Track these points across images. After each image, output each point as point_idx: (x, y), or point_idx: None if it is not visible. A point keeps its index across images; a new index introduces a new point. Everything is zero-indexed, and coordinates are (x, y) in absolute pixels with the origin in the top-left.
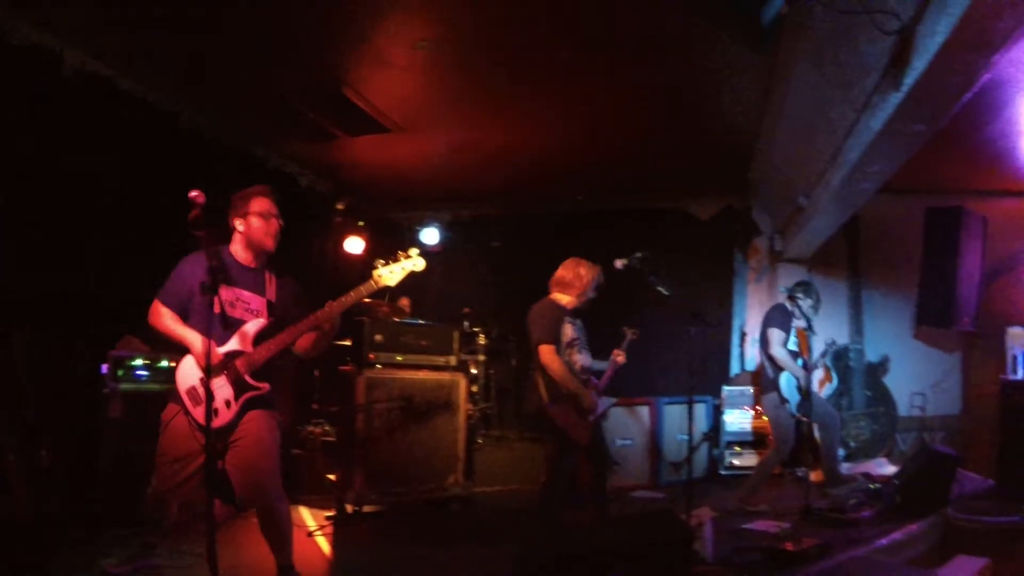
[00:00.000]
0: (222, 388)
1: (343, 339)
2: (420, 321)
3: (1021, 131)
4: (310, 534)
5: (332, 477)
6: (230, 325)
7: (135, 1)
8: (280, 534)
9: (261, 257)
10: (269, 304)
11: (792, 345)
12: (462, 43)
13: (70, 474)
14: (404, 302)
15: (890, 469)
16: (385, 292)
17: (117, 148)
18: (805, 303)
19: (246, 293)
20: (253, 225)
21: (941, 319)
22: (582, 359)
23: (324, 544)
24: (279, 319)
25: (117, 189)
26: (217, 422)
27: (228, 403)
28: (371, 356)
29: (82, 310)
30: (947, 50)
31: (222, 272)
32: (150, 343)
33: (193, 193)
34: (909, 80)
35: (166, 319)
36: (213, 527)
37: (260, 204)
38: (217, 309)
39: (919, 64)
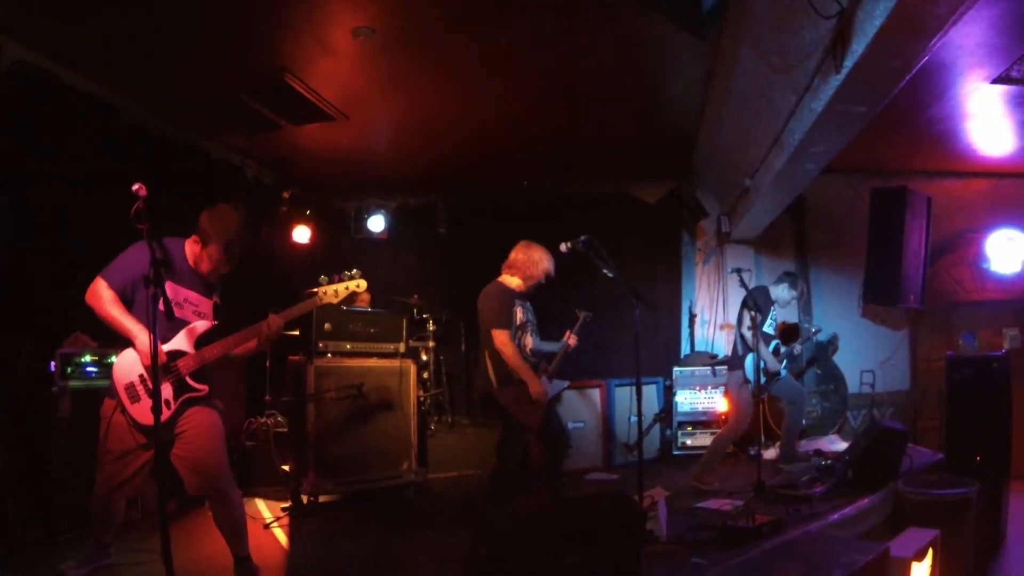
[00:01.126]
0: (164, 387)
1: (292, 330)
2: (368, 309)
3: (964, 113)
4: (266, 526)
5: (286, 468)
6: (175, 324)
7: None
8: (234, 524)
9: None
10: (216, 307)
11: (769, 328)
12: (401, 30)
13: (22, 476)
14: (364, 297)
15: (841, 445)
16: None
17: (59, 142)
18: (789, 292)
19: (193, 294)
20: (214, 254)
21: (888, 297)
22: (532, 342)
23: (281, 536)
24: (222, 322)
25: (60, 184)
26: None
27: (168, 403)
28: (320, 345)
29: (27, 308)
30: (885, 34)
31: (166, 266)
32: (98, 339)
33: (135, 186)
34: (849, 63)
35: (109, 304)
36: (166, 523)
37: (227, 236)
38: (162, 307)
39: (858, 47)
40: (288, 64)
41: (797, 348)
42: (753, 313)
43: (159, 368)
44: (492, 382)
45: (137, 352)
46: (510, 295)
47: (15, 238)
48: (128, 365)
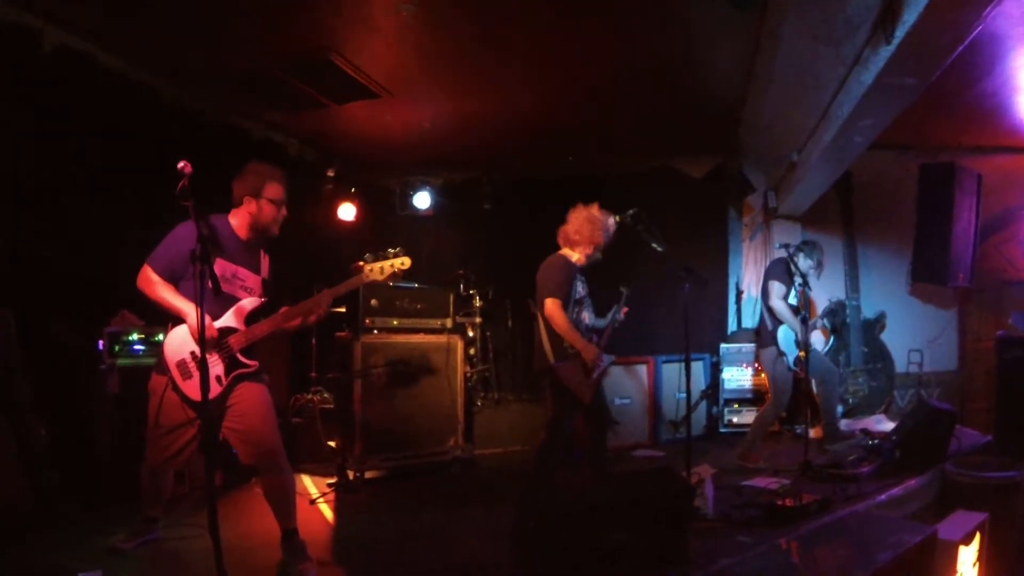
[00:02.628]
0: (213, 364)
1: (338, 307)
2: (415, 285)
3: (1015, 87)
4: (312, 502)
5: (332, 444)
6: (225, 300)
7: None
8: (284, 496)
9: (260, 238)
10: (264, 283)
11: (793, 299)
12: (445, 4)
13: (69, 452)
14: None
15: (888, 425)
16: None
17: (101, 124)
18: (805, 262)
19: (242, 270)
20: (264, 210)
21: (937, 275)
22: (588, 317)
23: (327, 511)
24: (272, 298)
25: (105, 166)
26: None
27: (219, 379)
28: (367, 321)
29: (75, 286)
30: (937, 3)
31: (213, 242)
32: (145, 317)
33: (180, 164)
34: (900, 33)
35: (158, 287)
36: (215, 497)
37: (275, 191)
38: (210, 284)
39: (909, 17)
40: (332, 42)
41: (819, 322)
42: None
43: (209, 343)
44: (548, 356)
45: (189, 329)
46: (572, 268)
47: (63, 218)
48: (179, 342)
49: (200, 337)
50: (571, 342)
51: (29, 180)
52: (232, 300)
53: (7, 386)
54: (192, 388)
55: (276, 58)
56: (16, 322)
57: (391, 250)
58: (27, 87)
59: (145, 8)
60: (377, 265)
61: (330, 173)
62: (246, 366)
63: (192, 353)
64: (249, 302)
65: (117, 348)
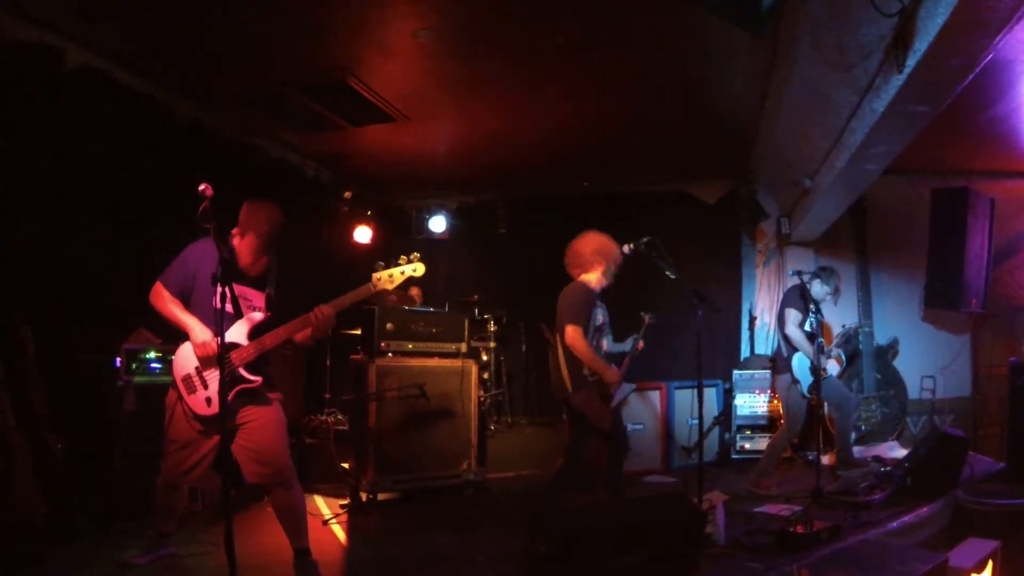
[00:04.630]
0: (215, 379)
1: (353, 328)
2: (430, 309)
3: None
4: (325, 522)
5: (346, 466)
6: (231, 318)
7: None
8: (295, 515)
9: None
10: (268, 298)
11: (809, 327)
12: (461, 31)
13: (85, 467)
14: (415, 291)
15: (901, 452)
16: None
17: (120, 142)
18: (822, 288)
19: (249, 290)
20: (252, 244)
21: (949, 301)
22: (606, 344)
23: (339, 532)
24: (276, 314)
25: (125, 184)
26: (209, 411)
27: None
28: (383, 345)
29: (93, 304)
30: (948, 31)
31: (232, 266)
32: (162, 336)
33: (202, 187)
34: (911, 62)
35: (168, 303)
36: (231, 514)
37: (267, 228)
38: (231, 307)
39: (921, 46)
40: (349, 65)
41: (834, 351)
42: (794, 311)
43: (212, 359)
44: (567, 385)
45: (193, 345)
46: (592, 294)
47: (79, 236)
48: (185, 358)
49: (220, 356)
50: (593, 368)
51: (49, 196)
52: (237, 319)
53: (25, 401)
54: (197, 402)
55: (294, 80)
56: (35, 337)
57: (404, 256)
58: (49, 103)
59: (162, 30)
60: (386, 273)
61: (347, 195)
62: (249, 381)
63: (196, 368)
64: (256, 315)
65: (134, 365)
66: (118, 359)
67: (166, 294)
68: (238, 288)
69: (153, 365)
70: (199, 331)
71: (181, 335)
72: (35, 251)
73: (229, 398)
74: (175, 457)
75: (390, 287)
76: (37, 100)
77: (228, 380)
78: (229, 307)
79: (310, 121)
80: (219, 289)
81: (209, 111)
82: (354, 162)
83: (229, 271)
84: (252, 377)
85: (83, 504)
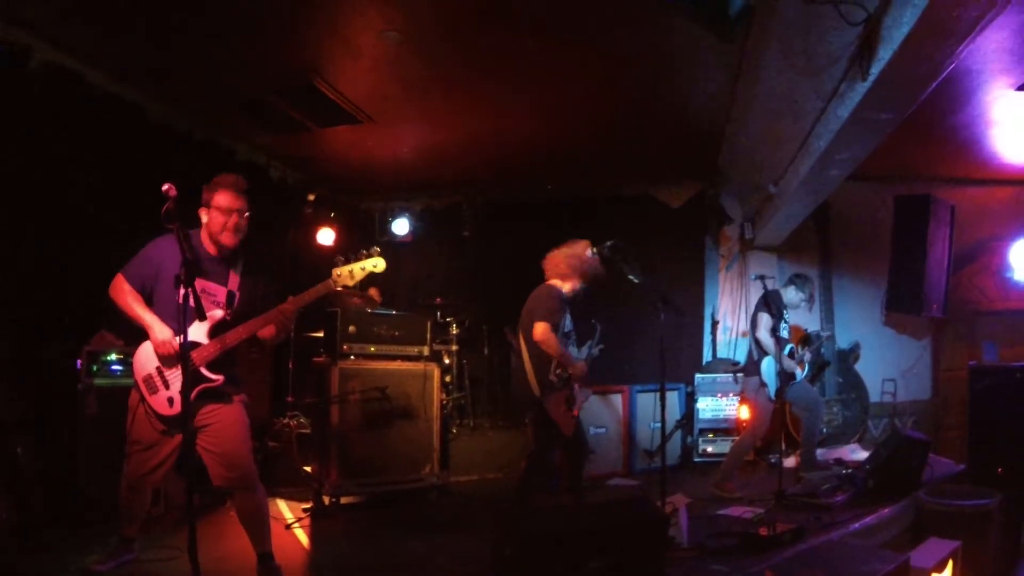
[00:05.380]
0: (175, 379)
1: (315, 331)
2: (393, 312)
3: (989, 120)
4: (288, 526)
5: (308, 469)
6: (191, 316)
7: None
8: (258, 519)
9: (224, 249)
10: (229, 295)
11: (784, 332)
12: (427, 32)
13: (48, 472)
14: (373, 291)
15: (862, 454)
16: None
17: (86, 142)
18: (797, 295)
19: (211, 284)
20: (212, 219)
21: (911, 305)
22: (573, 351)
23: (302, 536)
24: (239, 311)
25: (87, 183)
26: (171, 411)
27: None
28: (345, 347)
29: (53, 306)
30: (912, 40)
31: (195, 266)
32: (124, 337)
33: (165, 187)
34: (875, 70)
35: (128, 297)
36: (194, 518)
37: (222, 198)
38: (192, 303)
39: (885, 54)
40: (315, 65)
41: (807, 355)
42: (767, 315)
43: (172, 358)
44: (534, 388)
45: (153, 343)
46: (562, 298)
47: (41, 237)
48: (146, 357)
49: (183, 356)
50: (562, 363)
51: (12, 196)
52: (199, 317)
53: None
54: (158, 403)
55: (260, 79)
56: None
57: (364, 251)
58: (12, 103)
59: (130, 28)
60: (346, 269)
61: (310, 197)
62: (210, 380)
63: (157, 368)
64: (215, 314)
65: (95, 368)
66: (79, 361)
67: (127, 287)
68: (200, 283)
69: (115, 367)
70: (159, 329)
71: (143, 336)
72: None
73: (191, 398)
74: (138, 458)
75: (351, 283)
76: (3, 99)
77: (189, 380)
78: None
79: (277, 121)
80: (182, 290)
81: (178, 112)
82: (321, 164)
83: (192, 271)
84: (213, 376)
85: (48, 508)
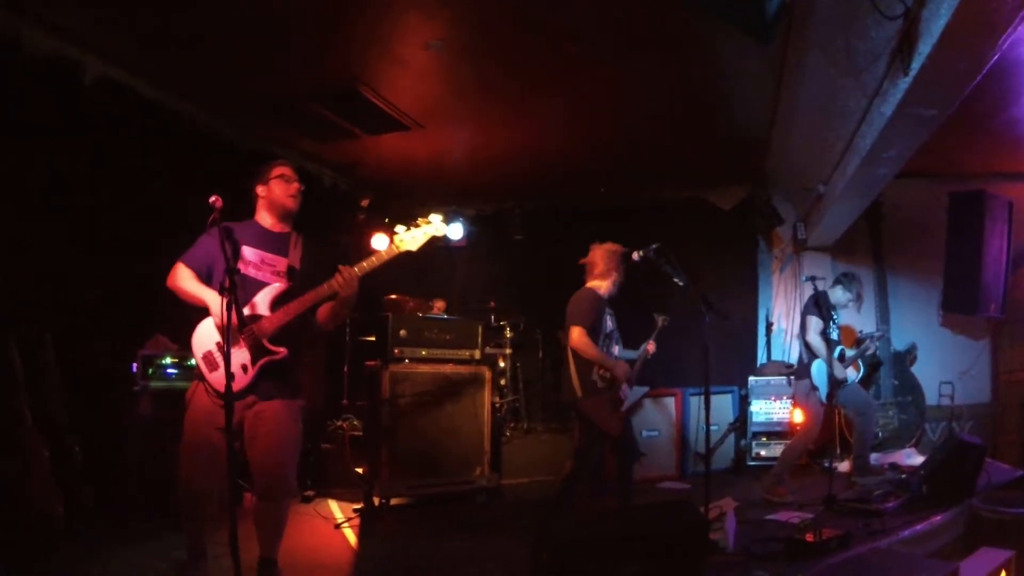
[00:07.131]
0: (239, 352)
1: (368, 335)
2: (444, 316)
3: None
4: (337, 526)
5: (360, 470)
6: (254, 287)
7: (150, 3)
8: (275, 527)
9: (286, 220)
10: (290, 268)
11: (834, 334)
12: (473, 43)
13: (101, 471)
14: (440, 305)
15: (918, 459)
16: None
17: (140, 152)
18: (844, 294)
19: (271, 256)
20: (274, 189)
21: (967, 306)
22: (616, 350)
23: (351, 535)
24: (300, 283)
25: (142, 192)
26: (233, 387)
27: (245, 368)
28: (396, 351)
29: (112, 309)
30: (951, 33)
31: (241, 238)
32: (178, 341)
33: (212, 198)
34: (916, 65)
35: (185, 279)
36: (235, 516)
37: (279, 170)
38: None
39: (925, 48)
40: (361, 74)
41: (859, 357)
42: (816, 318)
43: (235, 333)
44: (577, 390)
45: (212, 320)
46: (601, 301)
47: (100, 242)
48: (206, 334)
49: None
50: (602, 365)
51: (68, 205)
52: (262, 286)
53: (44, 405)
54: (218, 380)
55: (308, 88)
56: (54, 343)
57: (422, 219)
58: (70, 116)
59: (179, 41)
60: (408, 233)
61: (364, 203)
62: (274, 353)
63: (217, 343)
64: (273, 289)
65: (151, 371)
66: (134, 364)
67: (184, 271)
68: (262, 254)
69: (169, 370)
70: (216, 298)
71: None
72: (56, 259)
73: (252, 372)
74: (191, 460)
75: (414, 248)
76: (58, 112)
77: (252, 352)
78: (256, 275)
79: (325, 129)
80: (228, 299)
81: (226, 121)
82: (371, 171)
83: (235, 281)
84: (276, 349)
85: (101, 506)
